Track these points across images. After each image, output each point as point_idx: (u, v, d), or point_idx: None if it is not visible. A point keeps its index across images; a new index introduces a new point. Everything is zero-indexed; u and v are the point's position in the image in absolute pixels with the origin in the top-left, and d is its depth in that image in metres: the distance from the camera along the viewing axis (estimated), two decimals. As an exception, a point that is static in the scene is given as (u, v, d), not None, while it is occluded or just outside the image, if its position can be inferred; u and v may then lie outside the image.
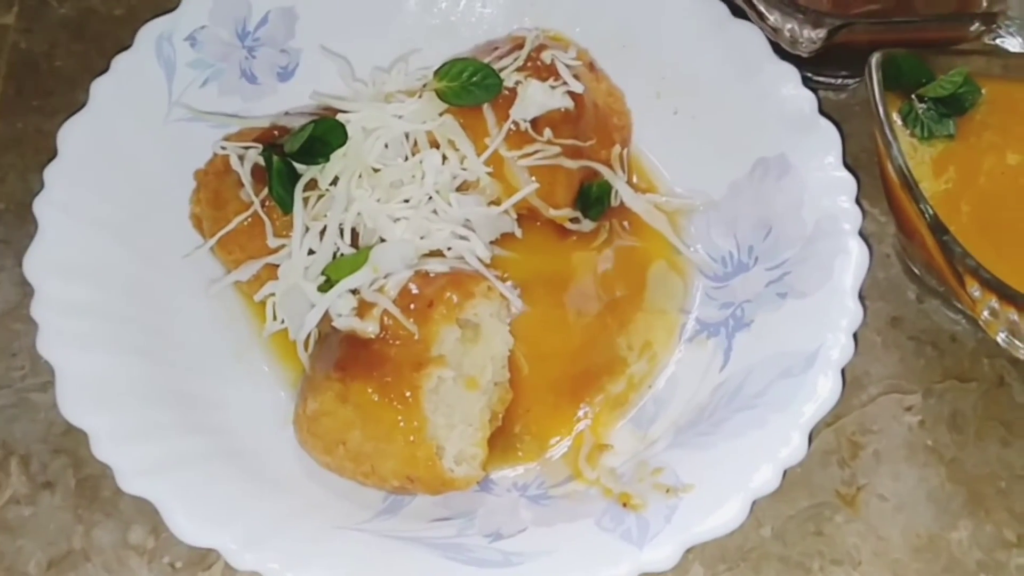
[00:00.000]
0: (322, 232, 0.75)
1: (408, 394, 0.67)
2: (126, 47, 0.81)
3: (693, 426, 0.72)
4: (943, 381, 0.80)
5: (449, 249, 0.75)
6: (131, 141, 0.79)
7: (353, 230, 0.75)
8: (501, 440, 0.74)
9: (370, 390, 0.68)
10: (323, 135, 0.75)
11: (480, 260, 0.75)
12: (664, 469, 0.69)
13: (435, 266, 0.73)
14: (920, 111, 0.77)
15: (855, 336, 0.71)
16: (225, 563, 0.71)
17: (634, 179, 0.85)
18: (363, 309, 0.70)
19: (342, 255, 0.74)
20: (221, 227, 0.76)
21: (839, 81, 0.90)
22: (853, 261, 0.73)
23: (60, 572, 0.73)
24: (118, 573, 0.73)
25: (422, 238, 0.75)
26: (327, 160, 0.75)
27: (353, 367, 0.69)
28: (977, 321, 0.72)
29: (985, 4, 0.80)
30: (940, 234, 0.71)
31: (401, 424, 0.67)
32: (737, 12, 0.83)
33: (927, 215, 0.71)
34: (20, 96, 0.91)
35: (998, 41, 0.79)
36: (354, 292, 0.72)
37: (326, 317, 0.72)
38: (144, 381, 0.70)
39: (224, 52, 0.84)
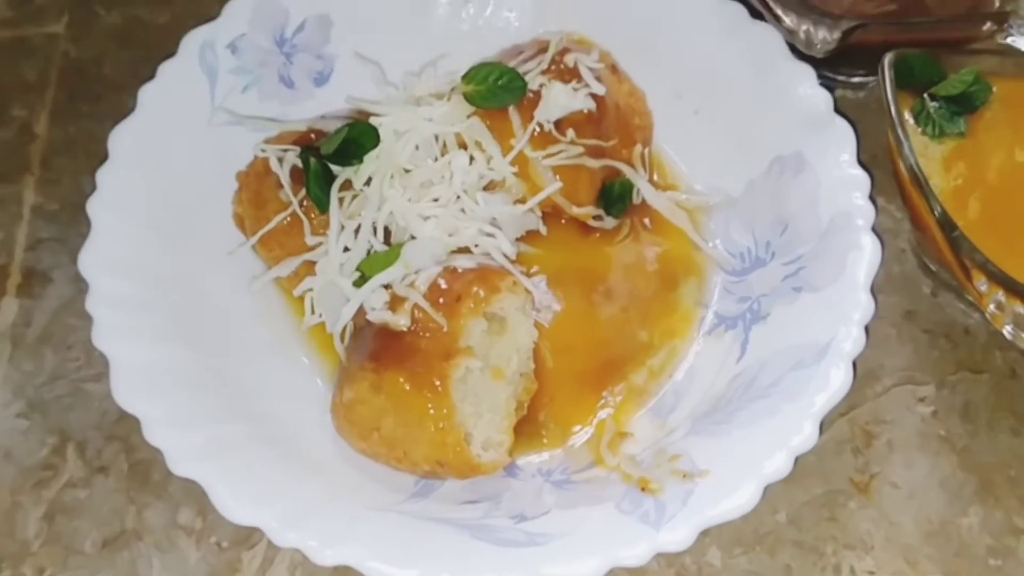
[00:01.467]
0: (356, 230, 0.78)
1: (437, 383, 0.71)
2: (171, 54, 0.85)
3: (710, 415, 0.75)
4: (956, 373, 0.82)
5: (476, 246, 0.79)
6: (177, 144, 0.83)
7: (386, 228, 0.79)
8: (526, 428, 0.77)
9: (402, 379, 0.72)
10: (357, 138, 0.78)
11: (506, 256, 0.79)
12: (681, 456, 0.72)
13: (463, 262, 0.76)
14: (932, 109, 0.79)
15: (867, 329, 0.73)
16: (268, 543, 0.76)
17: (655, 177, 0.88)
18: (395, 303, 0.74)
19: (375, 252, 0.78)
20: (262, 226, 0.80)
21: (856, 80, 0.93)
22: (866, 256, 0.75)
23: (114, 551, 0.77)
24: (168, 552, 0.77)
25: (451, 235, 0.78)
26: (360, 162, 0.79)
27: (386, 358, 0.73)
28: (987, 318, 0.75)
29: (997, 4, 0.82)
30: (949, 230, 0.74)
31: (431, 411, 0.71)
32: (754, 14, 0.86)
33: (936, 211, 0.74)
34: (71, 102, 0.96)
35: (1009, 40, 0.81)
36: (386, 287, 0.75)
37: (360, 311, 0.76)
38: (191, 371, 0.75)
39: (263, 59, 0.88)
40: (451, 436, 0.71)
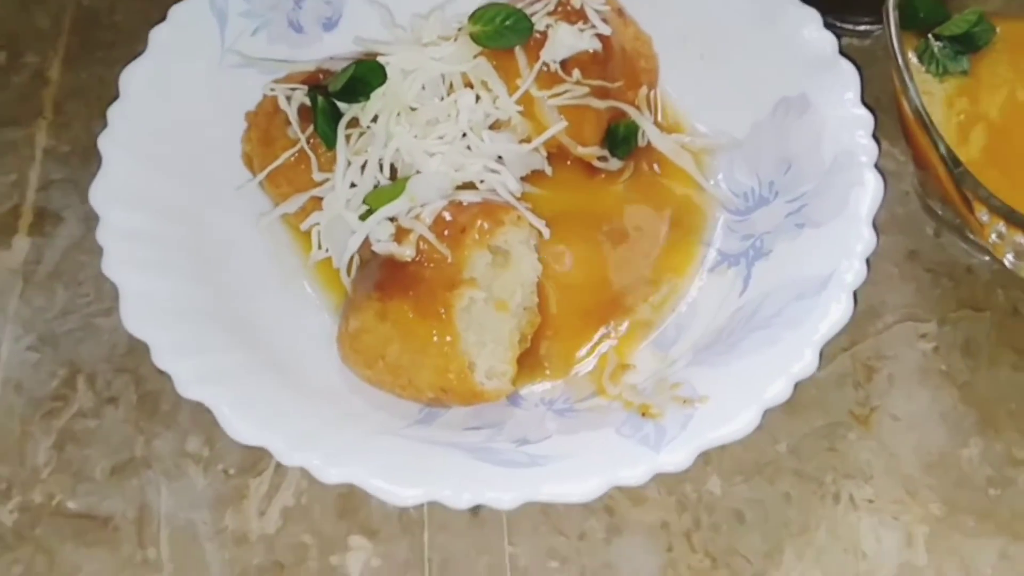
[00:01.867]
0: (363, 167, 0.79)
1: (442, 311, 0.72)
2: (183, -1, 0.86)
3: (711, 347, 0.75)
4: (958, 310, 0.83)
5: (482, 182, 0.80)
6: (187, 85, 0.84)
7: (392, 165, 0.80)
8: (529, 360, 0.78)
9: (406, 308, 0.73)
10: (364, 75, 0.79)
11: (511, 192, 0.80)
12: (682, 384, 0.72)
13: (468, 196, 0.77)
14: (936, 49, 0.80)
15: (868, 263, 0.74)
16: (274, 470, 0.78)
17: (660, 119, 0.89)
18: (400, 235, 0.75)
19: (381, 186, 0.79)
20: (270, 163, 0.81)
21: (861, 28, 0.93)
22: (868, 191, 0.76)
23: (123, 478, 0.79)
24: (176, 479, 0.78)
25: (456, 171, 0.79)
26: (367, 99, 0.80)
27: (391, 287, 0.74)
28: (988, 248, 0.75)
29: (1002, -56, 0.82)
30: (953, 165, 0.74)
31: (435, 339, 0.72)
32: (761, -41, 0.86)
33: (940, 148, 0.74)
34: (83, 49, 0.97)
35: (1014, -19, 0.82)
36: (392, 220, 0.76)
37: (366, 243, 0.77)
38: (200, 302, 0.76)
39: (273, 2, 0.88)
40: (455, 363, 0.72)
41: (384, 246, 0.75)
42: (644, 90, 0.87)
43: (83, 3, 1.00)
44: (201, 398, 0.69)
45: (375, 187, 0.79)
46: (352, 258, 0.78)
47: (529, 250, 0.78)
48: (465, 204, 0.76)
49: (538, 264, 0.79)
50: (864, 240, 0.74)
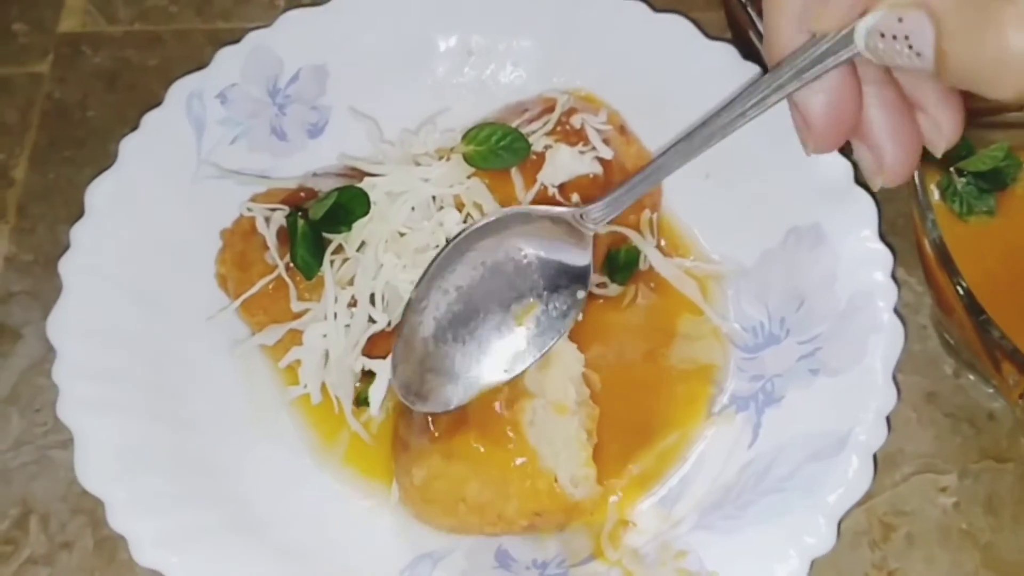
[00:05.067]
0: (351, 303, 0.74)
1: (510, 432, 0.68)
2: (158, 99, 0.80)
3: (719, 508, 0.70)
4: (979, 461, 0.78)
5: None
6: (159, 200, 0.79)
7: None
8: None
9: (473, 440, 0.68)
10: (347, 203, 0.74)
11: None
12: (688, 553, 0.67)
13: None
14: (959, 185, 0.75)
15: (887, 418, 0.69)
16: (240, 633, 0.71)
17: (662, 243, 0.84)
18: None
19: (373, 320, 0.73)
20: (246, 288, 0.75)
21: (877, 145, 0.89)
22: (887, 340, 0.71)
23: (76, 636, 0.72)
24: (133, 640, 0.72)
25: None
26: (349, 229, 0.74)
27: (448, 424, 0.69)
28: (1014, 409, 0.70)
29: (1028, 74, 0.78)
30: (976, 314, 0.69)
31: (514, 463, 0.67)
32: (772, 77, 0.82)
33: (963, 293, 0.69)
34: (52, 147, 0.91)
35: (1042, 113, 0.77)
36: None
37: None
38: (163, 449, 0.70)
39: (254, 109, 0.83)
40: (542, 482, 0.67)
41: None
42: (647, 213, 0.82)
43: (54, 96, 0.94)
44: (159, 567, 0.63)
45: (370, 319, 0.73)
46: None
47: (566, 342, 0.73)
48: None
49: (579, 354, 0.73)
50: (883, 396, 0.70)
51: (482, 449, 0.68)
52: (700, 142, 0.66)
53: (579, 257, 0.73)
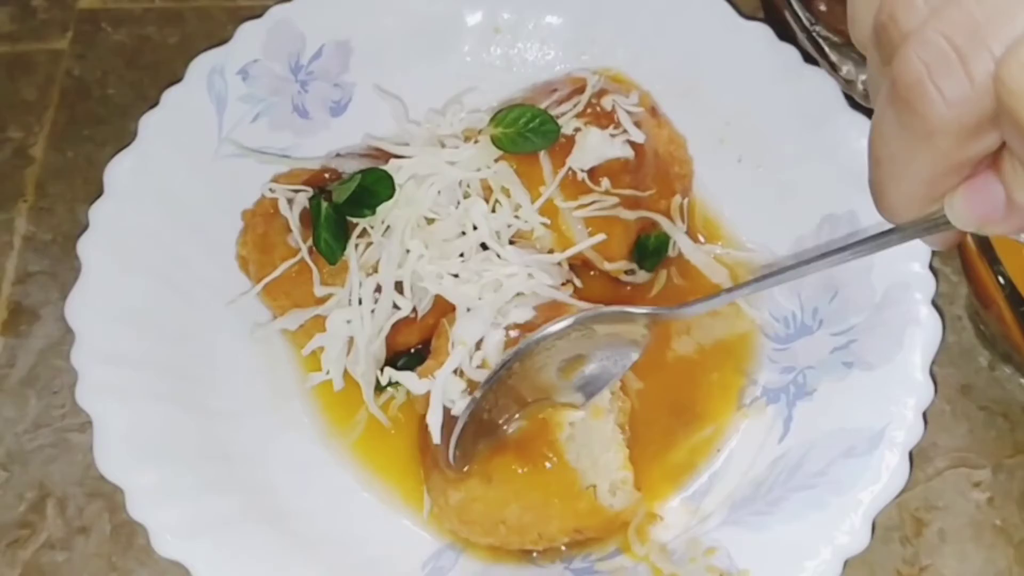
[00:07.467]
0: (377, 289, 0.72)
1: (549, 453, 0.66)
2: (179, 77, 0.79)
3: (749, 503, 0.68)
4: (1014, 456, 0.76)
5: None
6: (179, 179, 0.77)
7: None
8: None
9: (511, 463, 0.66)
10: (371, 186, 0.72)
11: (553, 288, 0.72)
12: (717, 550, 0.65)
13: (518, 313, 0.69)
14: (1003, 173, 0.72)
15: (924, 414, 0.67)
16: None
17: (692, 230, 0.81)
18: (473, 386, 0.66)
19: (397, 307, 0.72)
20: (267, 272, 0.74)
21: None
22: (925, 334, 0.69)
23: (93, 622, 0.72)
24: (152, 626, 0.71)
25: (495, 291, 0.71)
26: (374, 213, 0.72)
27: (485, 446, 0.67)
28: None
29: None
30: (1018, 305, 0.67)
31: (555, 486, 0.66)
32: (808, 60, 0.79)
33: (1004, 284, 0.67)
34: (71, 124, 0.90)
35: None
36: (457, 372, 0.67)
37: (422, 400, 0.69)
38: (183, 435, 0.69)
39: (276, 86, 0.82)
40: (583, 502, 0.66)
41: (463, 404, 0.66)
42: (677, 199, 0.80)
43: (73, 73, 0.92)
44: (180, 557, 0.62)
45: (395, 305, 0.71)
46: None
47: None
48: (522, 323, 0.69)
49: None
50: (920, 391, 0.68)
51: (520, 470, 0.65)
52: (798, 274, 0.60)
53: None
